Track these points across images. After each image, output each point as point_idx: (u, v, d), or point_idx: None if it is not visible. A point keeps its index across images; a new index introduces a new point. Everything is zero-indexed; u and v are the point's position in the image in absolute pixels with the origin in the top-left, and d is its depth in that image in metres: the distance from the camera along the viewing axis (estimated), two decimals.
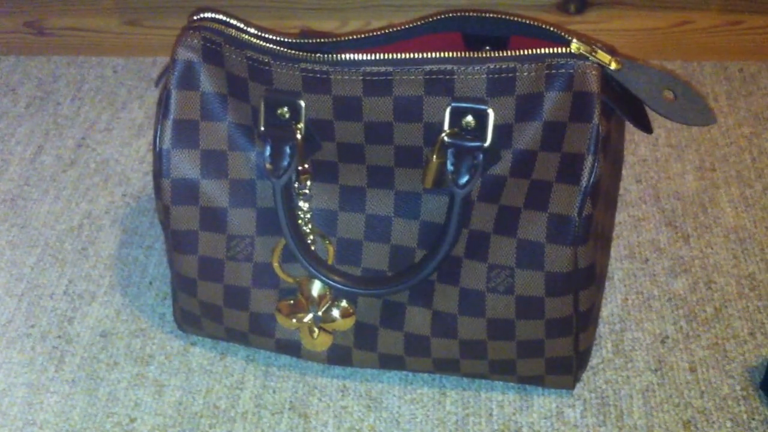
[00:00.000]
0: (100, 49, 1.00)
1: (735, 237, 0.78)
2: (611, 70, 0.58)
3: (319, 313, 0.66)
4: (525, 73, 0.58)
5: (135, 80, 0.98)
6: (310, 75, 0.59)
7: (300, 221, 0.65)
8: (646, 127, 0.62)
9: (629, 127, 0.86)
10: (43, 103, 0.96)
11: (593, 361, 0.70)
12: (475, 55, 0.58)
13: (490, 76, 0.58)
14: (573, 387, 0.67)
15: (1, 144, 0.91)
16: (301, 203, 0.65)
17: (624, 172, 0.84)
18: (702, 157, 0.85)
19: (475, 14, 0.63)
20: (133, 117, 0.93)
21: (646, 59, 0.95)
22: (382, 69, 0.58)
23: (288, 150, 0.61)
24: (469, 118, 0.59)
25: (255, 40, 0.61)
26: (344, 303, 0.66)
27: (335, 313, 0.66)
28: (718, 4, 0.91)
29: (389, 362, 0.68)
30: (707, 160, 0.85)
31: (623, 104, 0.60)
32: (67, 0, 0.97)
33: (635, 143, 0.87)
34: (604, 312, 0.73)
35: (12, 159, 0.90)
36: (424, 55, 0.58)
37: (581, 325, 0.63)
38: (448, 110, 0.59)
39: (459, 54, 0.58)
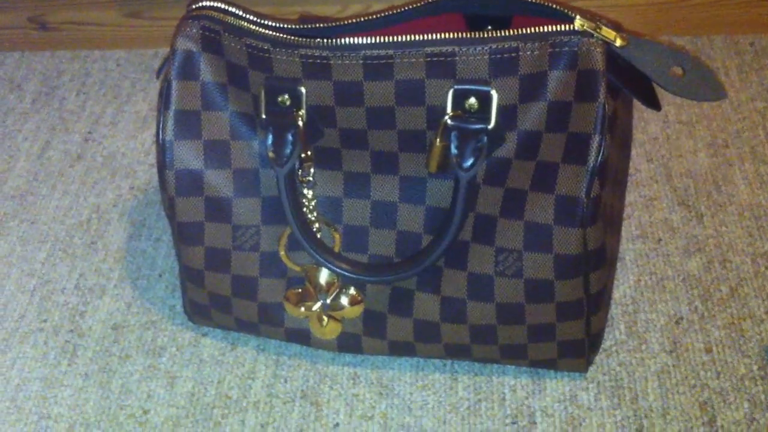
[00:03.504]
0: (103, 43, 1.00)
1: (749, 214, 0.77)
2: (617, 46, 0.57)
3: (328, 301, 0.66)
4: (528, 53, 0.57)
5: (138, 73, 0.97)
6: (310, 61, 0.59)
7: (305, 209, 0.64)
8: (654, 104, 0.61)
9: (638, 104, 0.85)
10: (48, 98, 0.96)
11: (606, 343, 0.69)
12: (477, 36, 0.57)
13: (493, 56, 0.57)
14: (586, 370, 0.66)
15: (8, 140, 0.91)
16: (305, 191, 0.64)
17: (634, 151, 0.83)
18: (714, 134, 0.84)
19: None
20: (138, 109, 0.93)
21: (654, 35, 0.94)
22: (382, 52, 0.58)
23: (290, 137, 0.61)
24: (472, 100, 0.58)
25: (254, 27, 0.60)
26: (352, 290, 0.66)
27: (344, 300, 0.66)
28: None
29: (399, 349, 0.67)
30: (720, 136, 0.84)
31: (630, 82, 0.58)
32: None
33: (645, 121, 0.86)
34: (617, 294, 0.72)
35: (19, 155, 0.90)
36: (425, 36, 0.57)
37: (592, 307, 0.62)
38: (450, 92, 0.58)
39: (460, 35, 0.57)
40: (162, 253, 0.79)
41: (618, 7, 0.92)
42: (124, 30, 0.99)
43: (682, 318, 0.71)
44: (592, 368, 0.68)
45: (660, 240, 0.76)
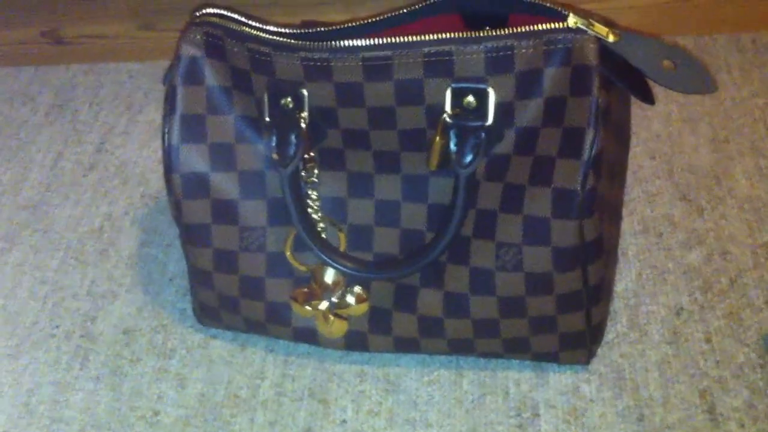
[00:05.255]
0: (116, 55, 1.02)
1: (749, 207, 0.78)
2: (609, 42, 0.58)
3: (334, 300, 0.67)
4: (523, 50, 0.58)
5: (151, 83, 0.99)
6: (311, 63, 0.60)
7: (310, 209, 0.66)
8: (647, 98, 0.62)
9: (642, 104, 0.85)
10: (61, 110, 0.98)
11: (608, 336, 0.70)
12: (473, 35, 0.58)
13: (489, 54, 0.58)
14: (588, 362, 0.67)
15: (22, 152, 0.93)
16: (309, 191, 0.66)
17: (637, 148, 0.84)
18: (715, 130, 0.85)
19: None
20: (150, 119, 0.95)
21: (657, 35, 0.95)
22: (381, 53, 0.59)
23: (293, 139, 0.62)
24: (470, 98, 0.59)
25: (255, 32, 0.62)
26: (357, 288, 0.67)
27: (349, 298, 0.67)
28: None
29: (405, 345, 0.68)
30: (721, 132, 0.85)
31: (623, 76, 0.60)
32: (81, 8, 0.98)
33: (648, 119, 0.87)
34: (619, 287, 0.73)
35: (33, 166, 0.92)
36: (422, 37, 0.59)
37: (592, 299, 0.63)
38: (448, 91, 0.60)
39: (456, 34, 0.58)
40: (173, 258, 0.81)
41: (622, 9, 0.93)
42: (137, 42, 1.01)
43: (682, 309, 0.71)
44: (594, 361, 0.68)
45: (661, 234, 0.77)
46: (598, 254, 0.61)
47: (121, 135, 0.94)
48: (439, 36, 0.59)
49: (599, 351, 0.69)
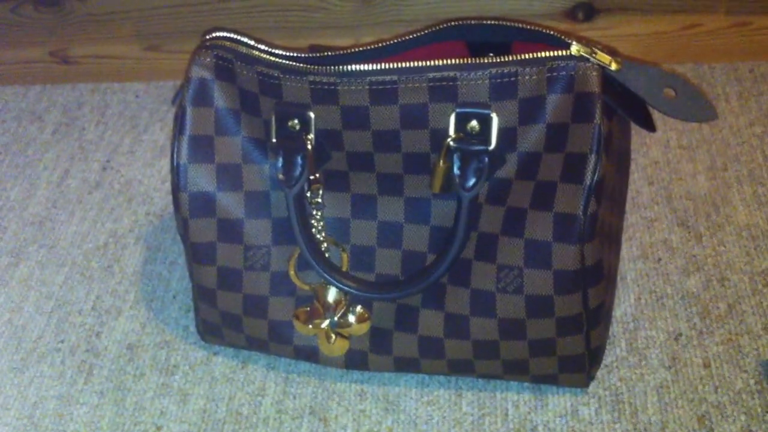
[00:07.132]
0: (123, 75, 1.03)
1: (747, 234, 0.79)
2: (611, 70, 0.59)
3: (336, 319, 0.68)
4: (527, 77, 0.59)
5: (156, 104, 1.01)
6: (318, 87, 0.61)
7: (313, 230, 0.67)
8: (648, 125, 0.63)
9: (641, 131, 0.87)
10: (68, 129, 0.99)
11: (607, 359, 0.71)
12: (477, 61, 0.60)
13: (493, 80, 0.60)
14: (587, 385, 0.68)
15: (29, 169, 0.94)
16: (314, 212, 0.67)
17: (636, 174, 0.85)
18: (714, 158, 0.86)
19: (476, 22, 0.65)
20: (155, 139, 0.96)
21: (657, 63, 0.96)
22: (387, 78, 0.60)
23: (299, 160, 0.63)
24: (474, 123, 0.61)
25: (264, 56, 0.63)
26: (359, 308, 0.68)
27: (351, 318, 0.68)
28: (725, 7, 0.92)
29: (405, 365, 0.69)
30: (719, 160, 0.86)
31: (625, 104, 0.61)
32: (89, 29, 1.00)
33: (647, 146, 0.88)
34: (618, 312, 0.74)
35: (40, 183, 0.93)
36: (427, 63, 0.60)
37: (592, 322, 0.64)
38: (452, 116, 0.61)
39: (461, 61, 0.60)
40: (176, 275, 0.82)
41: (621, 37, 0.95)
42: (144, 63, 1.02)
43: (681, 334, 0.72)
44: (593, 384, 0.69)
45: (660, 259, 0.78)
46: (598, 278, 0.62)
47: (126, 154, 0.95)
48: (444, 62, 0.60)
49: (598, 374, 0.70)
